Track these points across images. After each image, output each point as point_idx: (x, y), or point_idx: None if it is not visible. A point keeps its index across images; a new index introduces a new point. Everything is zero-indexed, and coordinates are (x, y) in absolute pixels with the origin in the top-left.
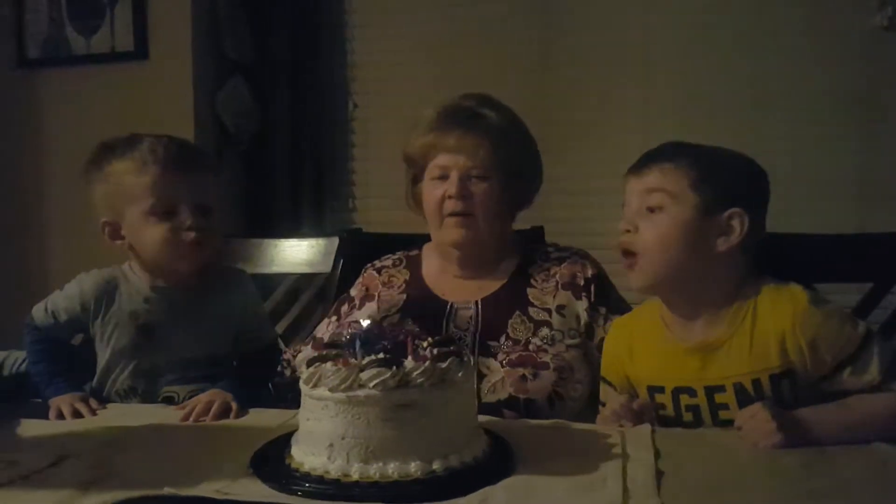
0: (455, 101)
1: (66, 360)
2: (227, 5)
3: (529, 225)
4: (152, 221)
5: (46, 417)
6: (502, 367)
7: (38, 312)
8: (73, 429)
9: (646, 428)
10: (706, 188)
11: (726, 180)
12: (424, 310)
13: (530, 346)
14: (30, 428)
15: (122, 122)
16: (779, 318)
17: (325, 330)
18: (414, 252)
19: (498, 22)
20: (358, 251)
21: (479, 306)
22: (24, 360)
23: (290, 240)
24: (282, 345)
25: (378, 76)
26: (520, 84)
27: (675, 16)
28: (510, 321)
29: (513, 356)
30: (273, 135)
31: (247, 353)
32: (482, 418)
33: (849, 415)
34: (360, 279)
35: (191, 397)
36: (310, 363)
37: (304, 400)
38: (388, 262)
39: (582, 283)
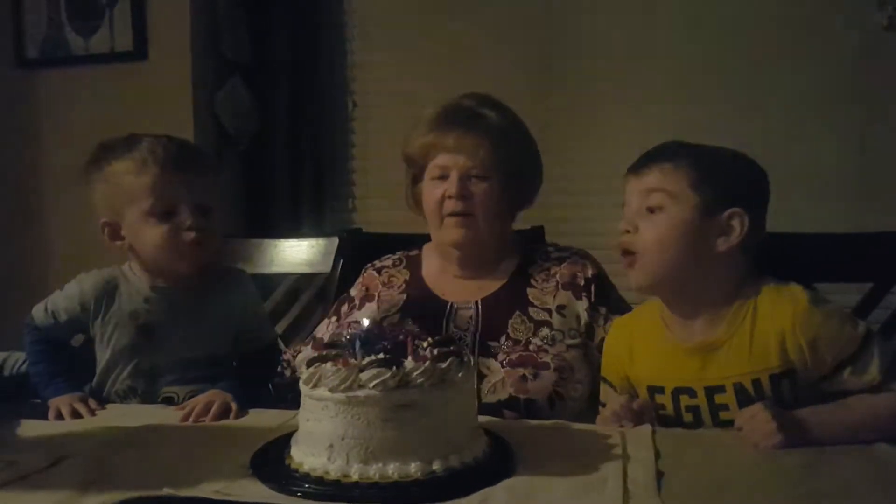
0: (455, 100)
1: (65, 360)
2: (227, 5)
3: (529, 225)
4: (152, 222)
5: (46, 418)
6: (502, 367)
7: (38, 312)
8: (73, 429)
9: (646, 428)
10: (706, 188)
11: (726, 180)
12: (424, 310)
13: (530, 347)
14: (29, 428)
15: (121, 123)
16: (779, 318)
17: (325, 330)
18: (414, 252)
19: (498, 22)
20: (358, 251)
21: (479, 306)
22: (24, 361)
23: (290, 240)
24: (282, 345)
25: (378, 76)
26: (520, 84)
27: (676, 16)
28: (510, 321)
29: (513, 356)
30: (272, 135)
31: (247, 354)
32: (482, 418)
33: (849, 415)
34: (360, 279)
35: (190, 398)
36: (310, 363)
37: (303, 400)
38: (388, 262)
39: (582, 283)
